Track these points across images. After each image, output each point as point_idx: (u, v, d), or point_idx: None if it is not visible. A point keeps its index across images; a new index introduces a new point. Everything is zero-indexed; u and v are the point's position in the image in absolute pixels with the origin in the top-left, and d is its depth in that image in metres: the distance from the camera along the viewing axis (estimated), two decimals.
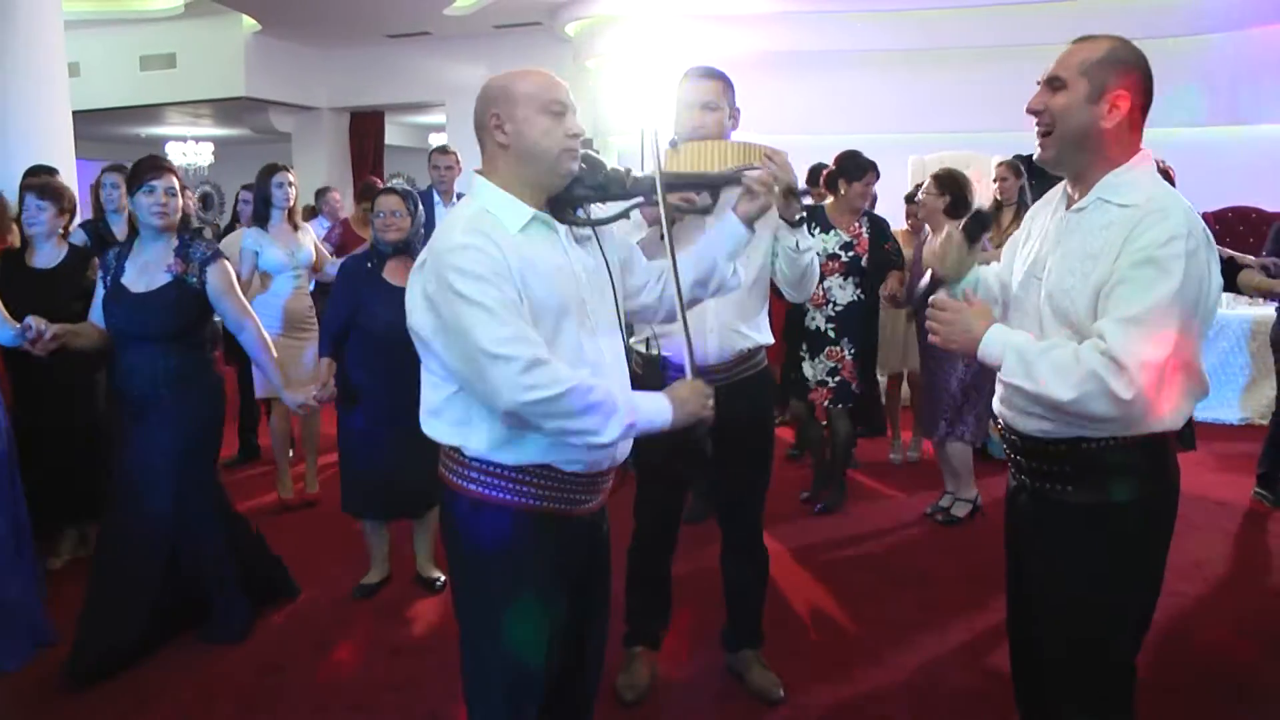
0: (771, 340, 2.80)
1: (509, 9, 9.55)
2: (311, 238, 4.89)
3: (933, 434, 4.51)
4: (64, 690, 2.91)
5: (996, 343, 1.75)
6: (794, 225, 2.50)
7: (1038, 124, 1.81)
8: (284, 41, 11.10)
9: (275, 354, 3.26)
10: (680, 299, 1.83)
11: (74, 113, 6.34)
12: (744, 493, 2.85)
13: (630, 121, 8.37)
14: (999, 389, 1.91)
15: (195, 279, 3.06)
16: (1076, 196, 1.82)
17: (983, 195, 6.85)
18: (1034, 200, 2.29)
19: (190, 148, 13.80)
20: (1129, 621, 1.86)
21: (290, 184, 4.66)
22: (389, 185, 3.70)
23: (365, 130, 12.38)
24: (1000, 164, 5.19)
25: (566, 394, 1.60)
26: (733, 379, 2.67)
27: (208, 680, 3.03)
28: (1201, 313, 1.70)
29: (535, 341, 1.62)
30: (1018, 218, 4.96)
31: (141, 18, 10.41)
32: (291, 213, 4.71)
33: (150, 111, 12.30)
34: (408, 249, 3.49)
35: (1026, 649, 2.03)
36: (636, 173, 1.88)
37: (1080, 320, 1.73)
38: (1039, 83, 1.82)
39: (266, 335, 3.26)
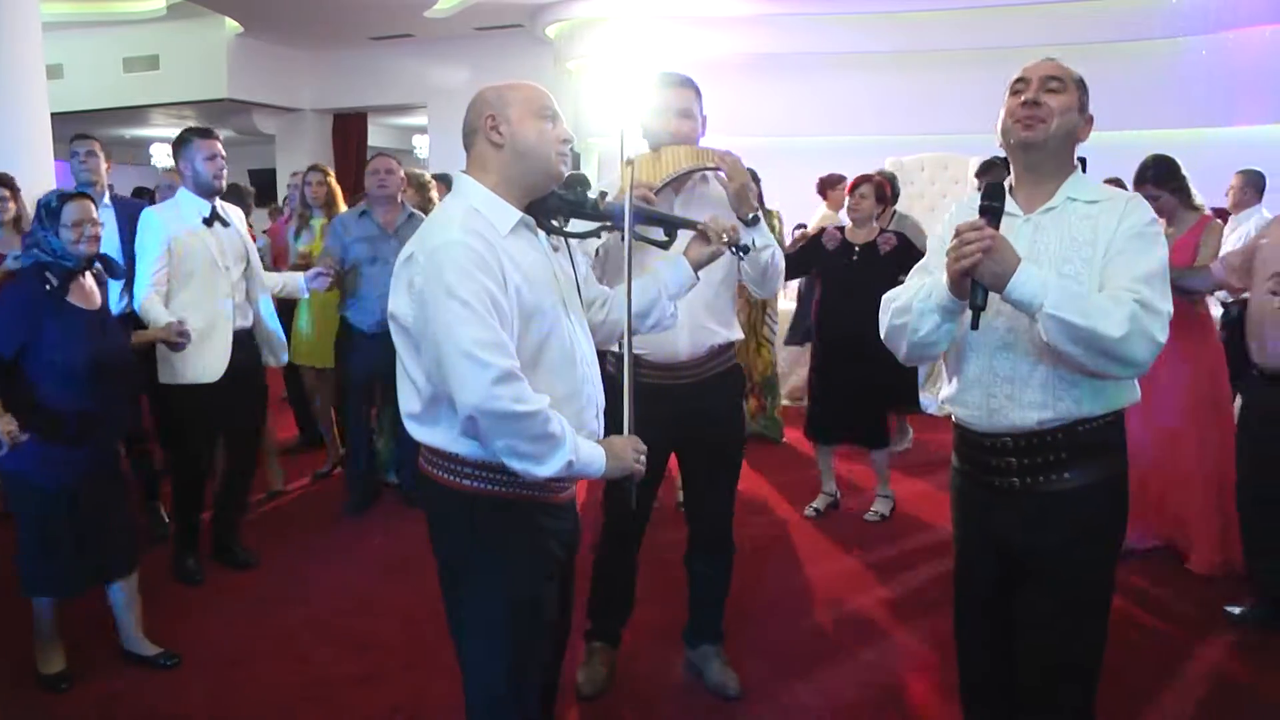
0: (741, 336, 2.84)
1: (489, 11, 9.60)
2: None
3: None
4: None
5: (1034, 279, 1.70)
6: (748, 224, 2.52)
7: (1031, 114, 1.85)
8: (266, 44, 11.13)
9: None
10: (629, 329, 1.91)
11: (57, 114, 6.34)
12: (713, 488, 2.87)
13: (611, 124, 8.42)
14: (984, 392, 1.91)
15: None
16: (1038, 201, 1.91)
17: (959, 196, 6.93)
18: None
19: None
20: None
21: None
22: (77, 189, 3.11)
23: (348, 132, 12.43)
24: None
25: (528, 416, 1.63)
26: (703, 375, 2.71)
27: (172, 674, 3.05)
28: None
29: (512, 354, 1.66)
30: None
31: (124, 20, 10.46)
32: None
33: (134, 113, 12.34)
34: (100, 262, 3.00)
35: (991, 656, 2.06)
36: (610, 198, 2.00)
37: None
38: (1018, 85, 1.90)
39: None
